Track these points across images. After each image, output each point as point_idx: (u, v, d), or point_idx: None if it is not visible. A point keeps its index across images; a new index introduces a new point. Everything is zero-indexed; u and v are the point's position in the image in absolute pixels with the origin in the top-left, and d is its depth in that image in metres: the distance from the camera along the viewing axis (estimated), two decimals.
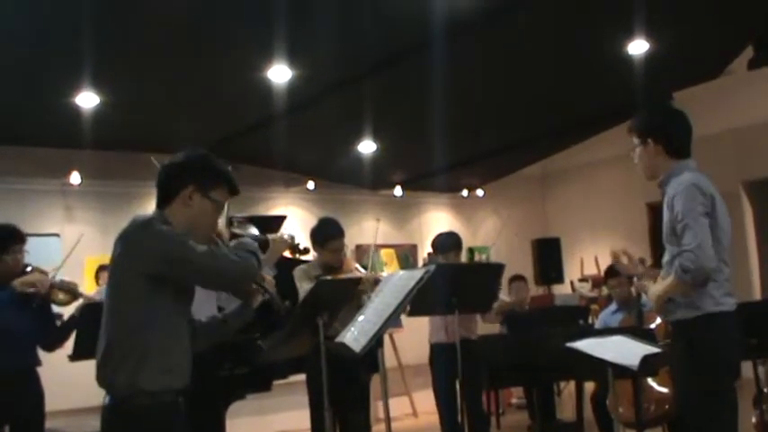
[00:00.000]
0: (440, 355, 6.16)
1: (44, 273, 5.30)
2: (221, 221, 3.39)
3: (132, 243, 3.05)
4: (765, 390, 5.71)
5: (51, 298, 5.33)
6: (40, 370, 5.34)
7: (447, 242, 6.43)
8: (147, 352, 3.00)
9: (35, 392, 5.22)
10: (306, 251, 4.07)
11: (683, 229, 3.75)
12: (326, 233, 5.83)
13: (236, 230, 3.53)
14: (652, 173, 4.08)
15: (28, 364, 5.20)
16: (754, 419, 5.53)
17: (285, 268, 6.10)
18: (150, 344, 3.00)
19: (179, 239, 3.03)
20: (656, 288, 4.01)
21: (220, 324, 3.47)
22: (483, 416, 6.48)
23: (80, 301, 5.44)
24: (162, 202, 3.21)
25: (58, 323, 5.54)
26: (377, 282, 5.20)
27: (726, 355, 3.82)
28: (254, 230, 3.63)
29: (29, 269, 5.23)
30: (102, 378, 3.06)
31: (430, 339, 6.36)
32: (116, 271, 3.10)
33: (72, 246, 6.43)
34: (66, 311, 5.64)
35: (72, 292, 5.45)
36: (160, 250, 3.00)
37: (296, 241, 3.72)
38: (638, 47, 8.28)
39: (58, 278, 5.44)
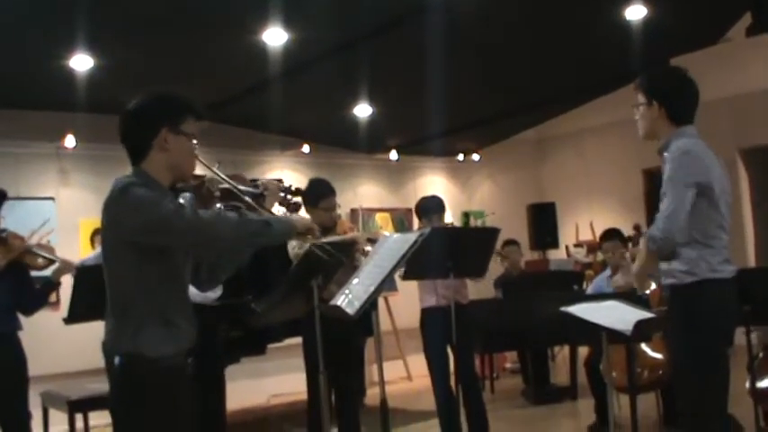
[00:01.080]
0: (431, 319, 6.15)
1: (20, 238, 5.28)
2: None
3: (114, 214, 2.97)
4: (761, 355, 5.73)
5: (27, 262, 5.31)
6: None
7: (429, 205, 6.38)
8: (147, 316, 2.97)
9: (16, 357, 5.23)
10: (297, 192, 4.05)
11: (663, 195, 3.75)
12: (317, 192, 5.80)
13: (229, 187, 3.45)
14: (650, 133, 4.03)
15: (5, 330, 5.19)
16: (747, 385, 5.55)
17: None
18: (149, 308, 2.97)
19: (154, 204, 2.90)
20: (634, 266, 4.17)
21: (237, 251, 3.33)
22: (476, 380, 6.51)
23: (56, 265, 5.42)
24: (137, 157, 3.07)
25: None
26: (372, 241, 5.19)
27: (721, 323, 3.82)
28: (247, 188, 3.59)
29: (3, 235, 5.21)
30: (107, 342, 3.05)
31: (421, 304, 6.35)
32: (106, 239, 3.06)
33: (41, 223, 6.39)
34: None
35: (48, 256, 5.44)
36: (139, 222, 2.89)
37: (284, 184, 3.68)
38: (636, 12, 8.23)
39: (33, 242, 5.43)
